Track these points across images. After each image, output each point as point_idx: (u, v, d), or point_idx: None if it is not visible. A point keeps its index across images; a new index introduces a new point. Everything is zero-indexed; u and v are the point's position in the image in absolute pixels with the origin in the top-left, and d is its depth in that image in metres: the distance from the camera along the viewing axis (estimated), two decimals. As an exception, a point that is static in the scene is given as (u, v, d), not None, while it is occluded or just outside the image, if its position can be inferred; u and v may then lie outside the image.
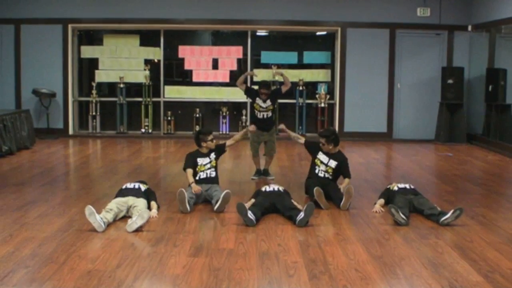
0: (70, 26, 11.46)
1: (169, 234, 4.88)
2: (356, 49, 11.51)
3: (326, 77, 12.10)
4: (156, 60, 12.00)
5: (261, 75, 10.79)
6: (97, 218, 4.88)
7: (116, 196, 5.55)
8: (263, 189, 5.89)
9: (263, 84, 7.49)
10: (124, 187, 5.74)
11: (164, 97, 11.94)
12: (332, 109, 11.97)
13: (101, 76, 11.99)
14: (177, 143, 11.01)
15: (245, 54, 11.94)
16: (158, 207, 5.61)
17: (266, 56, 12.07)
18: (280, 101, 7.39)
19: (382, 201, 5.85)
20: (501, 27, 10.70)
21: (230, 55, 11.93)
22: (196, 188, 5.89)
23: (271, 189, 5.84)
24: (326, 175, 6.28)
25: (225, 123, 11.86)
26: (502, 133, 10.42)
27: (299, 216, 5.18)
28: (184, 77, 12.33)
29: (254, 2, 11.49)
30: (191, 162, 6.22)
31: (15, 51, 11.39)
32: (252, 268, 4.07)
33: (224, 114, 11.83)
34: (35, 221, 5.19)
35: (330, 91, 11.95)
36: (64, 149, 10.28)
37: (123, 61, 11.93)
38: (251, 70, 11.71)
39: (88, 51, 12.04)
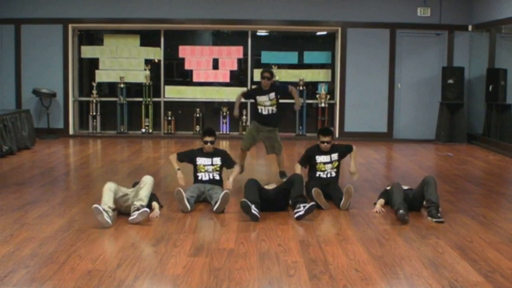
0: (70, 26, 11.46)
1: (169, 234, 4.88)
2: (356, 49, 11.52)
3: (327, 77, 12.10)
4: (156, 60, 12.01)
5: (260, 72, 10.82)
6: (104, 216, 4.96)
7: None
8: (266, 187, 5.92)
9: (265, 69, 7.25)
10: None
11: (164, 97, 11.95)
12: (332, 109, 11.97)
13: (102, 76, 12.00)
14: (178, 143, 11.01)
15: (245, 54, 11.95)
16: (161, 207, 5.62)
17: (267, 56, 12.07)
18: (280, 101, 7.30)
19: (382, 201, 5.84)
20: (502, 27, 10.70)
21: (230, 55, 11.93)
22: (181, 179, 5.91)
23: (273, 188, 5.90)
24: (330, 174, 6.26)
25: (225, 123, 11.87)
26: (502, 133, 10.42)
27: (299, 211, 5.32)
28: (184, 77, 12.33)
29: (254, 2, 11.49)
30: (187, 157, 6.23)
31: (15, 51, 11.40)
32: (253, 268, 4.07)
33: (224, 114, 11.84)
34: (35, 221, 5.20)
35: (331, 91, 11.95)
36: (64, 149, 10.28)
37: (123, 61, 11.93)
38: (251, 70, 11.83)
39: (88, 51, 12.04)
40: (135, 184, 5.74)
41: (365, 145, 10.68)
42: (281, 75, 11.91)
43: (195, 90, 12.06)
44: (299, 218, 5.33)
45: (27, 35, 11.38)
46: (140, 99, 11.89)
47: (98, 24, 11.66)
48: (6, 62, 11.42)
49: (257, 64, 12.01)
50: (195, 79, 12.03)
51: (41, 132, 11.06)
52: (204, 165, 6.16)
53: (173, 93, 12.03)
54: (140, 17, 11.43)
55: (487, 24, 10.85)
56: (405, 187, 5.95)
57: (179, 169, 6.12)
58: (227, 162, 6.30)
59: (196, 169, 6.20)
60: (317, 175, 6.27)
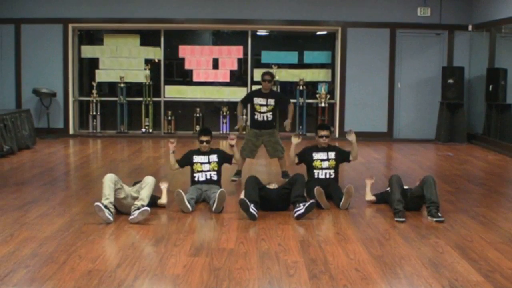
0: (70, 25, 11.46)
1: (169, 233, 4.88)
2: (356, 49, 11.51)
3: (327, 76, 12.10)
4: (156, 60, 12.01)
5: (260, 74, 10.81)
6: (106, 213, 5.01)
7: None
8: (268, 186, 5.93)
9: (266, 71, 7.20)
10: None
11: (164, 96, 11.95)
12: (332, 109, 11.98)
13: (102, 75, 12.00)
14: (178, 143, 10.91)
15: (245, 54, 11.95)
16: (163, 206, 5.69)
17: (267, 56, 12.07)
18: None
19: (374, 198, 5.98)
20: (502, 27, 10.70)
21: (230, 55, 11.93)
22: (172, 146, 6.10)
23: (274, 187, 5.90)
24: (328, 174, 6.24)
25: (225, 123, 11.86)
26: (502, 132, 10.42)
27: (299, 209, 5.33)
28: (184, 77, 12.33)
29: (254, 2, 11.49)
30: (185, 158, 6.28)
31: (15, 51, 11.40)
32: (253, 268, 4.07)
33: (224, 114, 11.84)
34: (35, 221, 5.20)
35: (331, 91, 11.96)
36: (64, 148, 10.28)
37: (123, 61, 11.93)
38: (251, 70, 11.85)
39: (88, 51, 12.04)
40: (135, 184, 5.75)
41: (365, 145, 10.67)
42: (281, 75, 11.91)
43: (195, 90, 12.06)
44: (299, 216, 5.34)
45: (27, 35, 11.39)
46: (140, 98, 11.89)
47: (98, 24, 11.66)
48: (6, 62, 11.42)
49: (257, 64, 12.02)
50: (195, 79, 12.03)
51: (41, 132, 11.06)
52: (201, 164, 6.16)
53: (173, 92, 12.03)
54: (140, 17, 11.43)
55: (487, 24, 10.85)
56: (405, 187, 5.95)
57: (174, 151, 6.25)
58: (224, 157, 6.33)
59: (192, 170, 6.21)
60: (316, 176, 6.24)
